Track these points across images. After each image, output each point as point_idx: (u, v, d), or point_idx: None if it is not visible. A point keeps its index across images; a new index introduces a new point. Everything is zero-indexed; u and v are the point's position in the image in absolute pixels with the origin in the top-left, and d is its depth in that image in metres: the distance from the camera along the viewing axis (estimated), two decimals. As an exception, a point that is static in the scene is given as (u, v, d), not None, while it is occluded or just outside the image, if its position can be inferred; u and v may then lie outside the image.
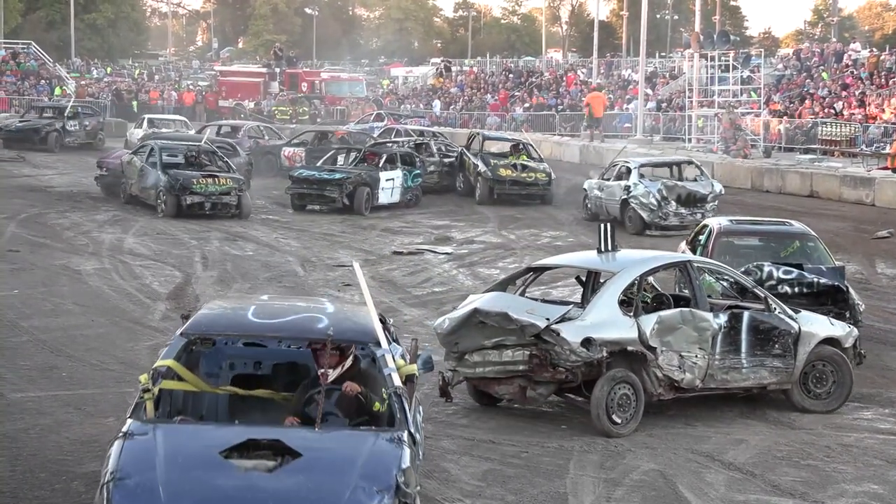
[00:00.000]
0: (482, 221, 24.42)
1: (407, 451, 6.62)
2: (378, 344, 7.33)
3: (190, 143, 26.41)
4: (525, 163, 27.44)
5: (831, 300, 12.72)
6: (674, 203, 22.50)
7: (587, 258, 11.85)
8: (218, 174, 23.91)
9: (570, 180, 30.28)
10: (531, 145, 29.26)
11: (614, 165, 24.55)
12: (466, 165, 28.11)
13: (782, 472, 9.32)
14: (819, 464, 9.56)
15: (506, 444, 9.80)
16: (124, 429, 6.69)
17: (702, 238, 14.94)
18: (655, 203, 22.38)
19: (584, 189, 24.83)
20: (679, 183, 23.14)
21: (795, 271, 13.29)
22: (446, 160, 29.57)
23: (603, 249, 11.17)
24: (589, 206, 24.51)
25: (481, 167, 27.14)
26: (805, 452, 9.85)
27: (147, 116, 41.82)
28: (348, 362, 7.40)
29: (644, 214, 22.48)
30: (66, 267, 17.58)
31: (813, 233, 15.20)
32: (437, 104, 55.35)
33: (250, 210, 23.79)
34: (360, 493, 6.22)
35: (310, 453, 6.49)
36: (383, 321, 7.85)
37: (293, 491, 6.22)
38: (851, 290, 13.32)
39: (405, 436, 6.75)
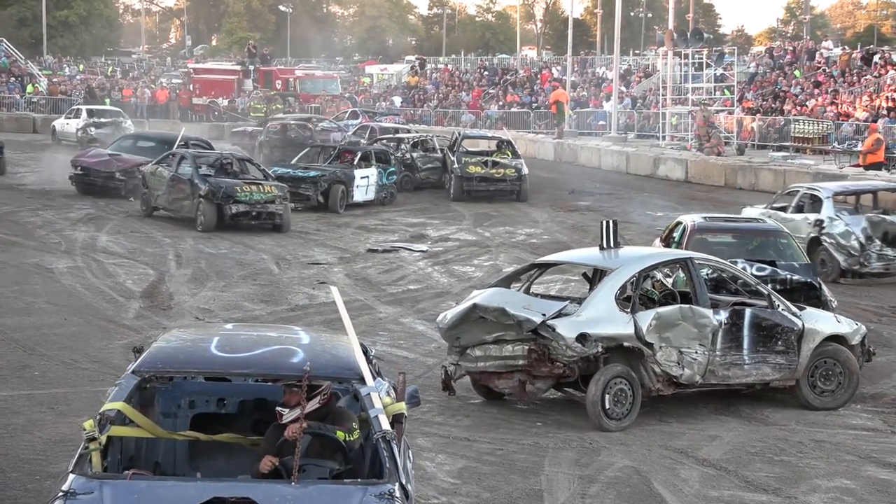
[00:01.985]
0: (457, 219, 24.43)
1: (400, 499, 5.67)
2: (362, 380, 6.31)
3: (194, 142, 25.72)
4: (497, 159, 27.53)
5: (804, 296, 12.78)
6: (878, 242, 17.73)
7: (589, 255, 11.92)
8: (261, 182, 21.97)
9: (544, 178, 30.41)
10: (510, 141, 29.40)
11: (791, 193, 19.80)
12: (447, 164, 28.40)
13: (756, 467, 9.37)
14: (792, 459, 9.61)
15: (481, 441, 9.82)
16: (65, 487, 5.60)
17: (676, 235, 15.02)
18: (858, 246, 17.59)
19: None
20: (887, 217, 18.16)
21: (769, 268, 13.38)
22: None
23: (605, 246, 11.23)
24: None
25: (455, 164, 27.39)
26: (778, 448, 9.90)
27: (85, 108, 41.53)
28: (315, 402, 6.25)
29: (841, 258, 17.66)
30: (39, 265, 17.47)
31: (786, 230, 15.31)
32: (397, 99, 55.82)
33: (290, 222, 21.87)
34: None
35: None
36: (365, 352, 6.80)
37: None
38: (824, 287, 13.42)
39: (396, 490, 5.71)
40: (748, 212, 19.55)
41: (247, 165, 23.23)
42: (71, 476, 5.69)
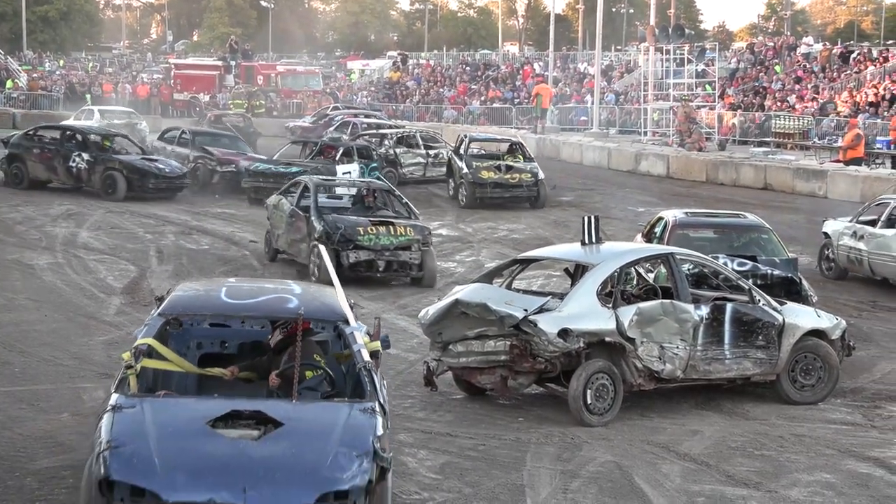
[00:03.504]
0: (439, 214, 24.42)
1: (379, 420, 6.96)
2: (347, 322, 7.79)
3: (348, 174, 22.12)
4: (511, 163, 25.57)
5: (785, 292, 12.83)
6: None
7: (571, 250, 11.92)
8: (394, 220, 16.94)
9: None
10: (521, 143, 27.77)
11: (881, 204, 17.77)
12: (454, 169, 26.35)
13: (737, 462, 9.41)
14: (773, 454, 9.65)
15: (463, 436, 9.82)
16: (112, 402, 6.91)
17: (657, 231, 15.06)
18: None
19: (826, 234, 18.29)
20: None
21: (750, 263, 13.42)
22: (431, 152, 29.71)
23: (587, 242, 11.25)
24: (833, 257, 17.97)
25: (464, 170, 25.48)
26: (759, 443, 9.94)
27: (97, 108, 40.99)
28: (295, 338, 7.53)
29: None
30: (19, 261, 17.39)
31: (767, 225, 15.36)
32: (363, 93, 56.46)
33: (435, 273, 16.83)
34: (341, 457, 6.57)
35: (291, 423, 6.79)
36: (349, 302, 8.12)
37: (280, 457, 6.53)
38: (804, 282, 13.48)
39: (377, 406, 7.11)
40: (830, 225, 18.19)
41: (387, 198, 18.08)
42: (115, 395, 7.00)
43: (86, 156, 24.74)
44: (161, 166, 24.96)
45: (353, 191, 18.23)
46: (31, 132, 26.53)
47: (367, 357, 7.55)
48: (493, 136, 32.30)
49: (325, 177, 19.92)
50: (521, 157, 26.17)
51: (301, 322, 7.57)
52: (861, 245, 17.22)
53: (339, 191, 18.40)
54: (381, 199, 17.89)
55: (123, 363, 7.28)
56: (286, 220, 17.62)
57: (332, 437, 6.72)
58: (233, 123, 36.51)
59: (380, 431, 6.84)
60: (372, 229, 16.44)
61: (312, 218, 16.77)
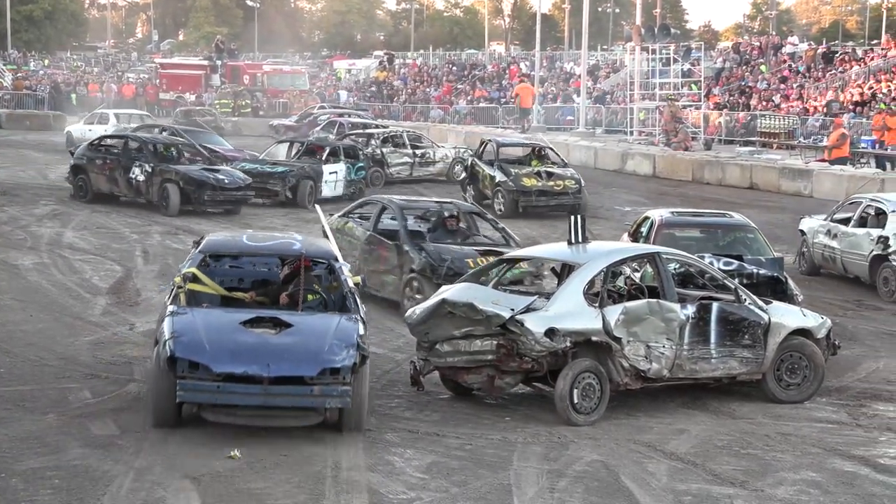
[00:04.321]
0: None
1: (360, 325, 9.75)
2: (336, 260, 10.79)
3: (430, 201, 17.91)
4: (549, 169, 24.25)
5: (770, 291, 12.87)
6: None
7: (558, 250, 11.93)
8: (499, 248, 14.61)
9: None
10: (551, 148, 26.22)
11: (854, 203, 18.04)
12: (480, 177, 24.76)
13: (723, 461, 9.43)
14: (759, 452, 9.68)
15: (450, 436, 9.82)
16: (169, 310, 9.75)
17: (644, 230, 15.08)
18: None
19: (802, 232, 18.57)
20: None
21: (735, 262, 13.46)
22: (418, 152, 29.65)
23: (573, 241, 11.26)
24: (807, 253, 18.26)
25: (500, 177, 23.87)
26: (745, 441, 9.97)
27: (112, 112, 39.03)
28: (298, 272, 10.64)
29: None
30: (4, 262, 17.32)
31: (753, 224, 15.41)
32: (342, 93, 56.56)
33: None
34: (335, 347, 9.38)
35: (298, 325, 9.68)
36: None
37: (291, 345, 9.39)
38: (790, 281, 13.53)
39: (358, 317, 9.93)
40: (806, 222, 18.47)
41: (475, 221, 15.97)
42: (170, 306, 9.88)
43: (146, 166, 23.01)
44: (221, 177, 22.95)
45: (440, 214, 15.59)
46: (95, 142, 25.09)
47: (351, 284, 10.44)
48: (520, 140, 30.43)
49: (404, 197, 17.62)
50: (551, 162, 24.96)
51: (304, 259, 10.56)
52: (834, 243, 17.42)
53: (417, 211, 16.24)
54: (467, 222, 15.66)
55: (177, 283, 10.13)
56: (361, 248, 15.39)
57: (328, 334, 9.49)
58: (202, 119, 36.50)
59: (361, 332, 9.62)
60: (483, 261, 13.59)
61: (407, 247, 14.50)
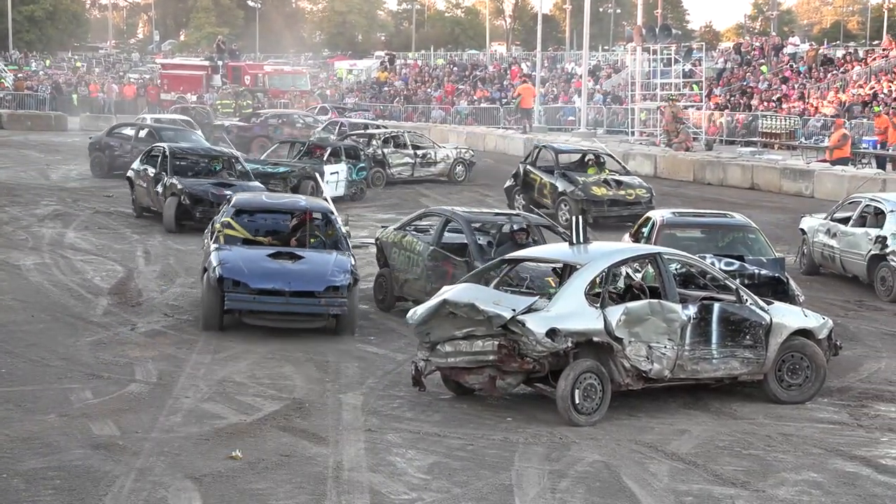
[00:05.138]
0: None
1: (351, 258, 13.90)
2: (333, 213, 14.96)
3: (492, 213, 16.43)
4: (618, 178, 23.10)
5: (772, 291, 12.86)
6: None
7: (559, 251, 11.91)
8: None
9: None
10: (611, 155, 25.02)
11: (853, 202, 17.99)
12: (536, 185, 23.51)
13: (724, 461, 9.42)
14: (760, 453, 9.68)
15: (451, 436, 9.82)
16: (214, 247, 13.81)
17: (645, 230, 15.08)
18: None
19: (802, 231, 18.57)
20: None
21: (737, 263, 13.46)
22: (419, 152, 29.65)
23: (575, 242, 11.26)
24: (807, 252, 18.25)
25: (565, 187, 22.71)
26: (746, 442, 9.97)
27: (149, 116, 37.20)
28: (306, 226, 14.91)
29: None
30: (6, 262, 17.32)
31: (754, 225, 15.40)
32: (348, 101, 56.87)
33: None
34: (335, 271, 13.38)
35: (308, 257, 13.80)
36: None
37: (305, 270, 13.39)
38: (791, 282, 13.53)
39: (350, 253, 14.09)
40: (806, 221, 18.46)
41: (541, 234, 14.84)
42: (213, 244, 13.93)
43: (165, 179, 21.40)
44: (226, 193, 18.89)
45: (511, 227, 14.68)
46: (149, 151, 23.25)
47: (344, 230, 14.69)
48: (578, 147, 28.00)
49: (467, 209, 16.50)
50: (608, 170, 23.74)
51: (308, 213, 14.90)
52: (833, 242, 17.48)
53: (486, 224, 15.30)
54: (535, 236, 14.59)
55: (218, 227, 14.42)
56: (424, 264, 14.43)
57: (329, 263, 13.57)
58: (197, 113, 39.21)
59: (352, 263, 13.72)
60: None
61: (479, 265, 13.07)
